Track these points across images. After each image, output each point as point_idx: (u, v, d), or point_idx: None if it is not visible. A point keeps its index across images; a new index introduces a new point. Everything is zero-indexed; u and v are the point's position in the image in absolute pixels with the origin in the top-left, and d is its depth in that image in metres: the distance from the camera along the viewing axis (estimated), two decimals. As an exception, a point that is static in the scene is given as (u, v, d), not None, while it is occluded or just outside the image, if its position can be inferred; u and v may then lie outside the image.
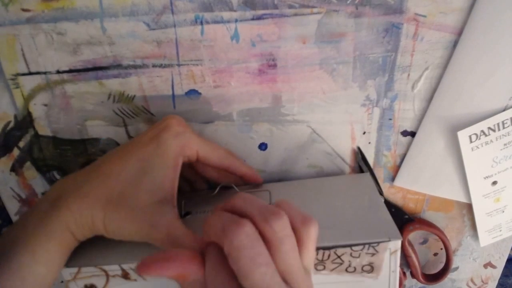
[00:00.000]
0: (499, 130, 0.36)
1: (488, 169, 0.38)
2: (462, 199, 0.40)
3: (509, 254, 0.45)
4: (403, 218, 0.41)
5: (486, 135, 0.36)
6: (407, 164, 0.39)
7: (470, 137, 0.36)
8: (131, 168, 0.29)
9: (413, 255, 0.42)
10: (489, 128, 0.36)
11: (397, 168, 0.39)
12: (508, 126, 0.36)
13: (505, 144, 0.37)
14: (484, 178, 0.39)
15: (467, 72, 0.34)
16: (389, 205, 0.41)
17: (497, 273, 0.46)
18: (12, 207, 0.42)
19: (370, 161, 0.39)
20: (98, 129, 0.38)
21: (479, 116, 0.36)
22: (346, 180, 0.36)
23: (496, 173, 0.38)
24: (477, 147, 0.37)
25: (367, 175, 0.37)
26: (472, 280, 0.47)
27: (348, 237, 0.28)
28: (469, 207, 0.41)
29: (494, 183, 0.39)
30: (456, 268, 0.46)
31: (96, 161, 0.31)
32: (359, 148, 0.38)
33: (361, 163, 0.39)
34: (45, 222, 0.27)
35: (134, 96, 0.36)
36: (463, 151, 0.37)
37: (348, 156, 0.39)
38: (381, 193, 0.38)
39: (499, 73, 0.33)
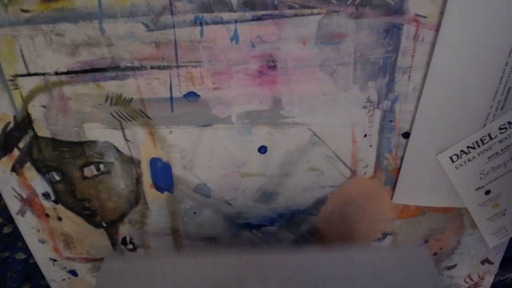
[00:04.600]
0: (479, 147, 0.35)
1: (478, 181, 0.37)
2: (462, 205, 0.40)
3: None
4: None
5: (467, 153, 0.36)
6: (402, 179, 0.38)
7: (451, 158, 0.36)
8: None
9: None
10: (468, 147, 0.35)
11: (398, 171, 0.39)
12: (488, 142, 0.35)
13: (489, 158, 0.36)
14: (476, 189, 0.38)
15: (447, 75, 0.33)
16: None
17: (494, 268, 0.47)
18: (14, 207, 0.42)
19: (372, 164, 0.39)
20: (95, 131, 0.38)
21: (461, 129, 0.35)
22: (402, 256, 0.33)
23: (487, 183, 0.38)
24: (461, 165, 0.36)
25: (423, 249, 0.34)
26: (469, 276, 0.48)
27: None
28: (469, 207, 0.41)
29: (488, 192, 0.38)
30: (454, 266, 0.47)
31: None
32: None
33: None
34: None
35: (132, 98, 0.36)
36: (447, 171, 0.36)
37: (349, 159, 0.39)
38: None
39: (480, 79, 0.33)
